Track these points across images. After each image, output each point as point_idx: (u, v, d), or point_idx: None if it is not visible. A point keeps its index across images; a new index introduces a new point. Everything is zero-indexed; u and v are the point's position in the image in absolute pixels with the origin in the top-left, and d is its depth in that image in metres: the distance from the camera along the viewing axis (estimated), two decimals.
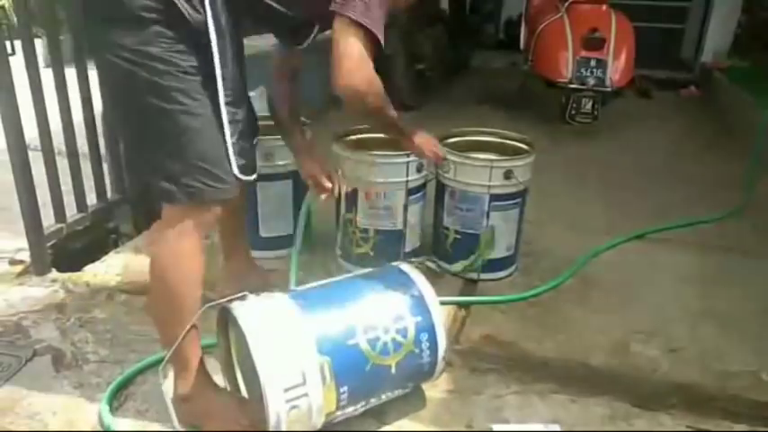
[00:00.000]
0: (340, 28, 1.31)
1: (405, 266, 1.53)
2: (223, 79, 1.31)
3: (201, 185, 1.30)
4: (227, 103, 1.33)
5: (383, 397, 1.41)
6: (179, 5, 1.23)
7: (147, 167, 1.34)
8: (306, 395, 1.23)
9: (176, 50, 1.25)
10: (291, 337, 1.26)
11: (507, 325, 1.86)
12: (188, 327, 1.33)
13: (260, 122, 2.28)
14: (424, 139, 1.73)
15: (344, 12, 1.29)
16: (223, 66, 1.31)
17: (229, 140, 1.35)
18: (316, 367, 1.25)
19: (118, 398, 1.50)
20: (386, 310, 1.38)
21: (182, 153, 1.29)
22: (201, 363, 1.42)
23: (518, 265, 2.20)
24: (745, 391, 1.61)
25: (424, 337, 1.39)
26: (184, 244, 1.33)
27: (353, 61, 1.31)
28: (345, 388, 1.29)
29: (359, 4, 1.28)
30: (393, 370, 1.35)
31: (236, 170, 1.37)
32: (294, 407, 1.22)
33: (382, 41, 1.33)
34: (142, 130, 1.31)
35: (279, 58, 1.74)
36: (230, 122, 1.34)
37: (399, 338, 1.36)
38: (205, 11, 1.27)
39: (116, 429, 1.39)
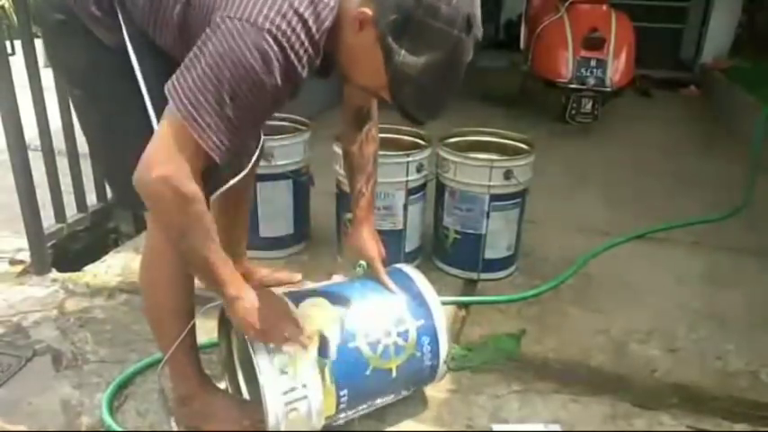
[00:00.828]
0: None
1: (406, 267, 1.52)
2: (149, 90, 1.16)
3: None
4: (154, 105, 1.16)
5: (384, 400, 1.40)
6: (94, 31, 1.18)
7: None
8: (305, 398, 1.22)
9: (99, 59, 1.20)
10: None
11: (507, 325, 1.86)
12: (186, 329, 1.32)
13: None
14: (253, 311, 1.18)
15: (170, 96, 1.01)
16: (144, 74, 1.16)
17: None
18: (315, 370, 1.24)
19: (118, 398, 1.50)
20: (387, 313, 1.37)
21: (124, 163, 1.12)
22: (199, 364, 1.41)
23: (518, 265, 2.20)
24: (745, 391, 1.61)
25: (426, 340, 1.38)
26: (165, 251, 1.30)
27: (160, 152, 1.02)
28: (345, 391, 1.29)
29: (189, 95, 0.99)
30: (394, 374, 1.34)
31: None
32: (293, 409, 1.22)
33: (217, 156, 1.03)
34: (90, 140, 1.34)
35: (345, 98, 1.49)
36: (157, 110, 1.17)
37: (401, 342, 1.35)
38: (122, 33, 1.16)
39: (116, 429, 1.39)
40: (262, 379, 1.19)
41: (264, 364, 1.20)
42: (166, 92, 1.02)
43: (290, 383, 1.21)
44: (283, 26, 0.99)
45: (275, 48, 0.98)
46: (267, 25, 0.98)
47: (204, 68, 0.99)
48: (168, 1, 1.11)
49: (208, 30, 1.01)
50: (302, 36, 1.01)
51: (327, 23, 1.04)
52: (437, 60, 1.04)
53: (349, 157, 1.51)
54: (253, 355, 1.21)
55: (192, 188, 1.03)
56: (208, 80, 0.99)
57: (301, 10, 1.01)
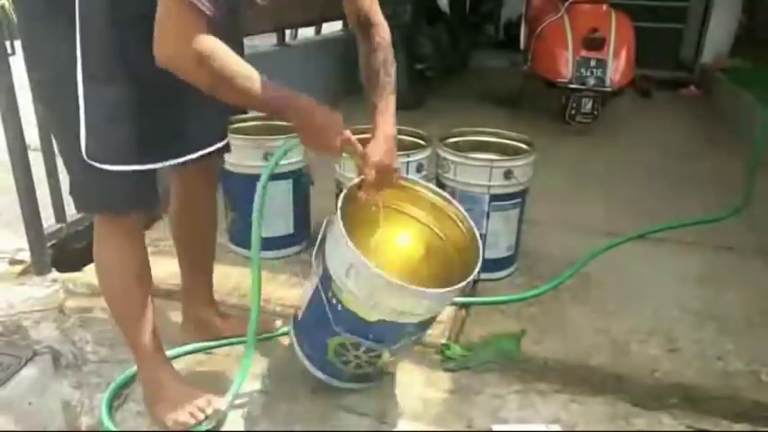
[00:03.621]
0: None
1: None
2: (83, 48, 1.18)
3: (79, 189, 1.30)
4: (86, 79, 1.20)
5: None
6: None
7: None
8: None
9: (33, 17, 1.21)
10: None
11: (507, 325, 1.86)
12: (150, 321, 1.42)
13: (260, 122, 2.31)
14: (327, 130, 1.29)
15: None
16: (83, 33, 1.18)
17: (82, 118, 1.21)
18: None
19: (118, 398, 1.50)
20: None
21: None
22: (160, 349, 1.47)
23: (518, 265, 2.20)
24: (745, 391, 1.61)
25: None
26: (104, 255, 1.39)
27: (169, 35, 1.12)
28: None
29: None
30: None
31: (84, 154, 1.23)
32: None
33: (209, 11, 1.11)
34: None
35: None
36: (87, 100, 1.20)
37: None
38: None
39: (116, 430, 1.39)
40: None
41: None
42: None
43: None
44: None
45: None
46: None
47: None
48: None
49: None
50: None
51: None
52: None
53: (363, 73, 1.45)
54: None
55: (199, 48, 1.10)
56: None
57: None
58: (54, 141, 1.32)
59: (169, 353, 1.55)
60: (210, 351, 1.69)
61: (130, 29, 1.17)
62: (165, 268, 1.82)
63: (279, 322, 1.80)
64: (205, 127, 1.44)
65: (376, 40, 1.43)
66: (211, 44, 1.12)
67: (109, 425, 1.40)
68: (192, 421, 1.40)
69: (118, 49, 1.18)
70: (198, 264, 1.70)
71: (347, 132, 1.30)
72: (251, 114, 2.67)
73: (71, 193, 1.33)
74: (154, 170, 1.31)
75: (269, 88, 1.20)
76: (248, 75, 1.17)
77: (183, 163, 1.38)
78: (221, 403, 1.44)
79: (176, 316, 1.76)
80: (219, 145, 1.50)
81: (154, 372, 1.47)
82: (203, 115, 1.39)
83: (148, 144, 1.27)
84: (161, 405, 1.43)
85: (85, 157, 1.23)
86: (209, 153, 1.46)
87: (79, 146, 1.23)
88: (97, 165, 1.24)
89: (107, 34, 1.18)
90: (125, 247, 1.38)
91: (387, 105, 1.42)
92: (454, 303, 1.96)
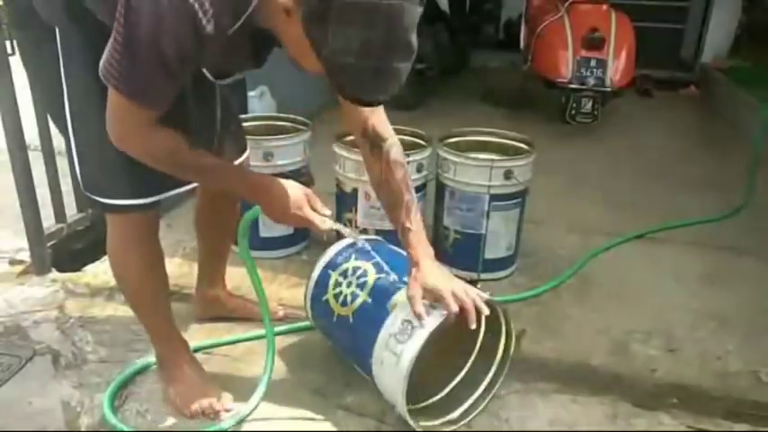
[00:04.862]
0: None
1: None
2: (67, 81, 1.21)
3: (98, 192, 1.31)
4: (73, 113, 1.24)
5: None
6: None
7: None
8: None
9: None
10: None
11: None
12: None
13: (260, 122, 2.31)
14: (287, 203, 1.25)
15: (104, 77, 1.05)
16: (67, 72, 1.20)
17: (74, 150, 1.27)
18: None
19: (118, 398, 1.50)
20: None
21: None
22: (176, 333, 1.53)
23: (518, 265, 2.20)
24: (745, 391, 1.61)
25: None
26: (117, 244, 1.41)
27: (122, 128, 1.11)
28: None
29: (117, 67, 1.03)
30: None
31: (81, 185, 1.30)
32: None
33: (157, 107, 1.09)
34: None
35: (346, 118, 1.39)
36: (76, 133, 1.25)
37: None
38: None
39: (118, 429, 1.39)
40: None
41: None
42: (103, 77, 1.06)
43: None
44: None
45: None
46: None
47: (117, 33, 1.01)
48: None
49: None
50: None
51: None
52: (372, 37, 0.93)
53: (379, 192, 1.40)
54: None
55: (155, 145, 1.13)
56: (118, 41, 1.01)
57: None
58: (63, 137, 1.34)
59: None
60: (209, 351, 1.69)
61: None
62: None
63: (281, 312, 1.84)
64: (219, 148, 1.45)
65: (393, 156, 1.35)
66: (159, 146, 1.13)
67: (116, 422, 1.40)
68: (206, 413, 1.44)
69: (101, 87, 1.08)
70: (216, 250, 1.77)
71: (306, 210, 1.28)
72: (251, 114, 2.68)
73: (84, 188, 1.34)
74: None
75: (224, 175, 1.25)
76: (199, 169, 1.20)
77: None
78: (229, 401, 1.47)
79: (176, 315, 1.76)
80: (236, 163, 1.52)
81: (171, 353, 1.52)
82: (213, 137, 1.42)
83: (145, 178, 1.25)
84: (176, 387, 1.48)
85: (83, 189, 1.30)
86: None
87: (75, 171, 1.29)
88: (97, 198, 1.30)
89: (87, 76, 1.15)
90: (137, 237, 1.40)
91: (419, 228, 1.36)
92: None
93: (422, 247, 1.34)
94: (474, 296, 1.29)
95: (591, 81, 3.78)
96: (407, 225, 1.34)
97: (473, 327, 1.27)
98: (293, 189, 1.27)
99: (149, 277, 1.44)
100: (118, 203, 1.30)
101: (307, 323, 1.77)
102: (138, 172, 1.20)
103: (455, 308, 1.26)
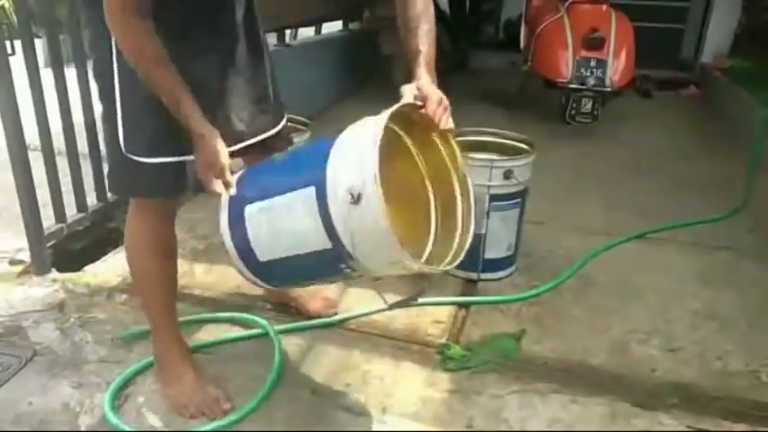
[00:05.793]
0: None
1: None
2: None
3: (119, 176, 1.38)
4: (120, 68, 1.26)
5: None
6: None
7: None
8: None
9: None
10: None
11: (507, 325, 1.86)
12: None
13: None
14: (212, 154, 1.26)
15: None
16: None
17: (119, 108, 1.30)
18: None
19: (118, 398, 1.50)
20: None
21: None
22: (176, 331, 1.55)
23: (518, 265, 2.20)
24: (745, 391, 1.61)
25: None
26: (134, 231, 1.46)
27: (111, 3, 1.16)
28: None
29: None
30: None
31: (123, 147, 1.31)
32: None
33: None
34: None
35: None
36: (122, 90, 1.28)
37: None
38: None
39: (118, 429, 1.39)
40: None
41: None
42: None
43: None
44: None
45: None
46: None
47: None
48: None
49: None
50: None
51: None
52: None
53: (399, 18, 1.43)
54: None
55: (133, 35, 1.16)
56: None
57: None
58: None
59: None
60: (209, 351, 1.69)
61: (160, 20, 1.18)
62: None
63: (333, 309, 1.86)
64: (249, 117, 1.47)
65: None
66: (140, 42, 1.17)
67: (116, 422, 1.40)
68: (206, 413, 1.45)
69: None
70: None
71: (208, 177, 1.27)
72: None
73: (108, 176, 1.41)
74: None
75: (177, 102, 1.22)
76: (156, 81, 1.20)
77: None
78: (228, 401, 1.48)
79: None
80: (269, 134, 1.56)
81: (171, 352, 1.53)
82: (246, 105, 1.45)
83: (182, 136, 1.27)
84: (175, 387, 1.50)
85: (123, 149, 1.30)
86: (266, 139, 1.53)
87: (118, 135, 1.30)
88: (134, 157, 1.30)
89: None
90: (154, 226, 1.45)
91: (429, 52, 1.42)
92: (454, 303, 1.96)
93: (426, 65, 1.42)
94: (446, 105, 1.41)
95: (591, 81, 3.78)
96: (419, 47, 1.42)
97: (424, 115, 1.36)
98: (212, 155, 1.25)
99: (164, 265, 1.48)
100: (156, 161, 1.32)
101: (307, 323, 1.77)
102: (178, 133, 1.26)
103: (431, 108, 1.36)
